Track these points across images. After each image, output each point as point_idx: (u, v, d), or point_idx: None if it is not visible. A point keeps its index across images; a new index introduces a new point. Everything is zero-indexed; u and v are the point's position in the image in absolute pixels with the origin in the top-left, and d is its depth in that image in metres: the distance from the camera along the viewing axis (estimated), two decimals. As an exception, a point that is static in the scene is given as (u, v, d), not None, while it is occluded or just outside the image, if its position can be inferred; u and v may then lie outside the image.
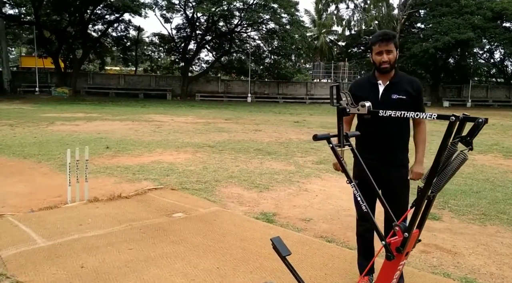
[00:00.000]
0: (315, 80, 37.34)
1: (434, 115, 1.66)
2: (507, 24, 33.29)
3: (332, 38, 41.46)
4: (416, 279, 2.93)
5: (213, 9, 25.73)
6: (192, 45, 34.47)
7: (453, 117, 1.57)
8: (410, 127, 2.71)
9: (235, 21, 31.31)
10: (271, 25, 31.03)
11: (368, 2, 33.96)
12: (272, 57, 35.24)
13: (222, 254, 3.26)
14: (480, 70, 39.20)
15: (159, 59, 38.80)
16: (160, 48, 36.49)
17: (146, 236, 3.57)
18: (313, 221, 4.28)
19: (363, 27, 36.32)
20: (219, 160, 7.43)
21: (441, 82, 37.80)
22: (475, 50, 34.56)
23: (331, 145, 2.07)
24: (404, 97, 2.61)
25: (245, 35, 34.09)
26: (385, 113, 1.86)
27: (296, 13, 29.92)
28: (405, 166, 2.72)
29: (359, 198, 1.95)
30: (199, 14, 30.48)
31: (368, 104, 1.96)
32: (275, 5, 28.18)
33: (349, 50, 41.08)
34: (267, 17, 29.04)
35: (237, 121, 16.08)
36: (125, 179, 5.81)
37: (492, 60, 38.62)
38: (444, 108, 30.77)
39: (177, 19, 38.20)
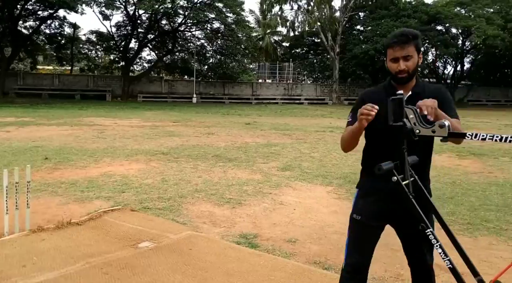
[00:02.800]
0: (261, 81, 37.22)
1: None
2: (440, 27, 35.21)
3: (277, 39, 41.62)
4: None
5: (156, 6, 24.59)
6: (133, 44, 32.93)
7: None
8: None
9: (179, 20, 30.32)
10: (216, 24, 30.42)
11: (312, 4, 34.37)
12: (217, 57, 34.62)
13: (209, 296, 2.70)
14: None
15: (97, 58, 36.66)
16: (98, 47, 34.44)
17: (110, 279, 2.91)
18: (299, 242, 3.82)
19: (307, 28, 36.75)
20: (178, 170, 6.77)
21: (379, 82, 39.23)
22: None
23: (395, 178, 1.60)
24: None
25: (189, 34, 33.15)
26: (475, 137, 1.40)
27: (242, 12, 29.53)
28: (430, 193, 2.07)
29: (440, 250, 1.49)
30: (141, 12, 29.14)
31: (447, 123, 1.49)
32: (221, 4, 27.61)
33: (293, 51, 41.48)
34: (212, 16, 28.38)
35: (186, 124, 15.35)
36: (73, 199, 5.01)
37: (425, 61, 40.75)
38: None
39: (117, 16, 36.62)
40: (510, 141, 1.30)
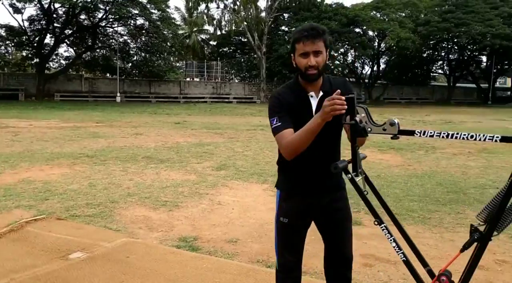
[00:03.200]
0: (188, 79, 36.69)
1: (498, 137, 1.33)
2: (359, 29, 37.28)
3: (204, 37, 41.27)
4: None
5: (74, 0, 23.11)
6: (48, 39, 30.69)
7: None
8: None
9: (100, 15, 28.79)
10: (140, 20, 29.39)
11: (238, 3, 34.55)
12: (142, 54, 33.49)
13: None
14: (336, 71, 43.24)
15: (7, 55, 33.60)
16: (8, 42, 31.56)
17: (40, 295, 2.65)
18: (241, 241, 3.79)
19: (234, 28, 36.90)
20: (106, 174, 6.41)
21: (304, 81, 40.58)
22: (332, 52, 37.89)
23: (349, 176, 1.61)
24: None
25: (111, 30, 31.64)
26: (423, 134, 1.45)
27: (167, 9, 28.83)
28: (345, 189, 2.11)
29: (394, 244, 1.53)
30: (57, 5, 27.19)
31: (397, 121, 1.54)
32: (145, 0, 26.69)
33: (221, 50, 41.44)
34: (136, 12, 27.36)
35: (111, 124, 14.64)
36: (-13, 209, 4.51)
37: (346, 62, 42.92)
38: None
39: (30, 10, 33.69)
40: (456, 137, 1.37)
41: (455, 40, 40.16)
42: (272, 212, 4.68)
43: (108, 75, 34.66)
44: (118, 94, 29.66)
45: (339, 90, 1.68)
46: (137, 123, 15.12)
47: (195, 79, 36.27)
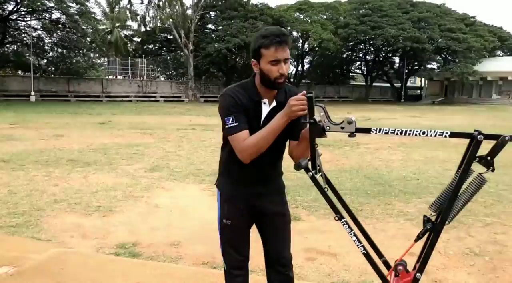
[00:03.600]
0: (111, 77, 35.04)
1: (447, 133, 1.42)
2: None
3: (127, 33, 39.59)
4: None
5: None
6: None
7: (481, 136, 1.36)
8: None
9: (10, 7, 26.39)
10: (56, 14, 27.46)
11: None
12: (58, 50, 31.33)
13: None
14: (263, 70, 44.09)
15: None
16: None
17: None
18: (183, 244, 3.70)
19: (159, 24, 35.91)
20: (27, 180, 5.90)
21: (232, 80, 40.83)
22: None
23: (310, 173, 1.63)
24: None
25: (23, 23, 29.15)
26: (379, 131, 1.51)
27: (86, 3, 27.23)
28: (284, 193, 2.15)
29: (354, 238, 1.57)
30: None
31: (354, 118, 1.58)
32: (61, -8, 25.02)
33: (146, 47, 40.14)
34: (51, 5, 25.50)
35: (27, 126, 13.53)
36: None
37: (272, 61, 43.81)
38: (238, 104, 33.27)
39: None
40: (409, 133, 1.46)
41: (371, 42, 42.87)
42: (212, 213, 4.63)
43: (20, 72, 31.94)
44: (33, 93, 27.44)
45: (304, 91, 1.70)
46: (56, 124, 14.12)
47: (119, 77, 34.71)
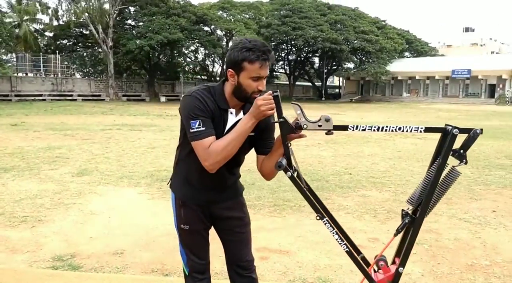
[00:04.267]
0: (21, 74, 32.16)
1: (422, 128, 1.46)
2: (207, 28, 37.98)
3: (38, 27, 36.53)
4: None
5: None
6: None
7: (456, 130, 1.41)
8: None
9: None
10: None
11: (78, -8, 31.67)
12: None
13: None
14: (188, 68, 43.43)
15: None
16: None
17: None
18: (127, 252, 3.48)
19: (73, 18, 33.72)
20: None
21: (156, 78, 39.68)
22: (183, 50, 37.85)
23: (289, 173, 1.58)
24: (253, 133, 1.78)
25: None
26: (356, 128, 1.51)
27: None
28: (242, 195, 2.09)
29: (336, 236, 1.55)
30: None
31: (330, 117, 1.57)
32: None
33: (59, 42, 37.52)
34: None
35: None
36: None
37: (197, 59, 43.36)
38: (162, 103, 32.47)
39: None
40: (385, 130, 1.48)
41: (293, 42, 44.32)
42: (155, 217, 4.48)
43: None
44: None
45: (271, 91, 1.65)
46: (-41, 126, 12.64)
47: (29, 74, 31.96)
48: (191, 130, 1.73)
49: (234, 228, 2.01)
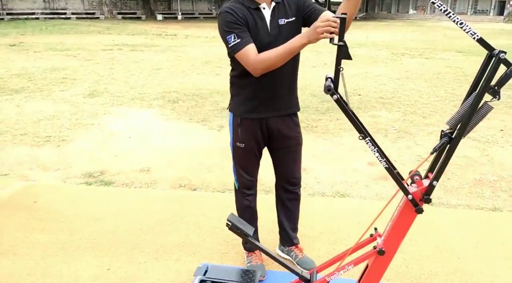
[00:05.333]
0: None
1: (477, 36, 1.45)
2: None
3: None
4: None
5: None
6: None
7: (503, 54, 1.43)
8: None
9: None
10: None
11: None
12: None
13: (95, 247, 2.38)
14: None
15: None
16: None
17: None
18: (153, 169, 3.66)
19: None
20: (-50, 111, 5.25)
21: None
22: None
23: (335, 96, 1.62)
24: (293, 19, 1.89)
25: None
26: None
27: None
28: (297, 115, 2.14)
29: (377, 154, 1.64)
30: None
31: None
32: None
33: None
34: None
35: None
36: None
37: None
38: (159, 22, 31.28)
39: None
40: (453, 20, 1.50)
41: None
42: (172, 138, 4.61)
43: None
44: None
45: (338, 15, 1.61)
46: (-44, 47, 12.35)
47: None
48: (229, 45, 1.81)
49: (290, 147, 2.12)
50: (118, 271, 2.17)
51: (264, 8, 1.87)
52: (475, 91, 1.56)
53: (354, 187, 3.40)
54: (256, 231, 2.28)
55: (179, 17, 35.62)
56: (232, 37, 1.79)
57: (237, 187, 2.20)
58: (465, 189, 3.37)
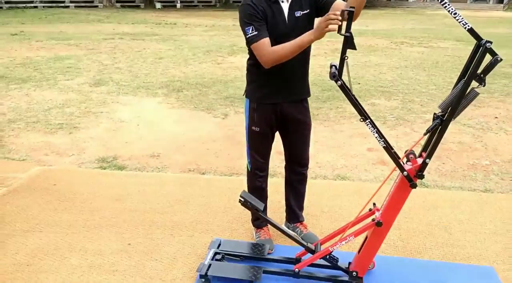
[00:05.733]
0: (7, -21, 30.27)
1: (468, 26, 1.61)
2: None
3: None
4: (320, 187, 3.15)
5: None
6: None
7: (489, 44, 1.61)
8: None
9: None
10: None
11: None
12: None
13: (115, 225, 2.58)
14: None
15: None
16: None
17: (-21, 238, 2.39)
18: (163, 155, 3.84)
19: None
20: (-39, 100, 5.40)
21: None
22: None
23: (339, 82, 1.79)
24: (308, 10, 2.07)
25: None
26: None
27: None
28: (307, 101, 2.33)
29: (376, 135, 1.82)
30: None
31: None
32: None
33: None
34: None
35: None
36: None
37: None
38: (158, 10, 31.18)
39: None
40: (446, 9, 1.65)
41: None
42: (179, 125, 4.79)
43: None
44: None
45: (338, 11, 1.77)
46: (-42, 36, 12.41)
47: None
48: (246, 36, 2.00)
49: (301, 131, 2.31)
50: (138, 246, 2.37)
51: (282, 1, 2.04)
52: (464, 78, 1.74)
53: (354, 171, 3.59)
54: (265, 209, 2.48)
55: (178, 5, 35.45)
56: (250, 29, 1.97)
57: (249, 169, 2.38)
58: (459, 172, 3.57)
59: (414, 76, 7.55)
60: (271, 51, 1.97)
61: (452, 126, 4.82)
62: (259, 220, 2.45)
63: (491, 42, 1.65)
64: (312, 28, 2.08)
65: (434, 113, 1.87)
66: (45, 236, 2.45)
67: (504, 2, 41.40)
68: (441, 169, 3.63)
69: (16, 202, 2.82)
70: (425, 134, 1.87)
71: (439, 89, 6.54)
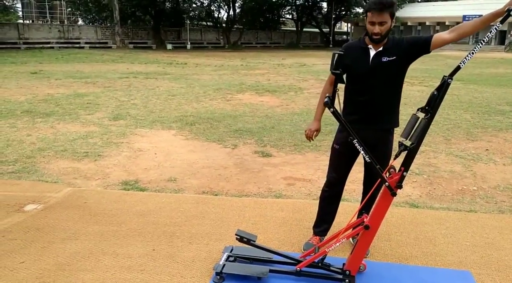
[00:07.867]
0: (28, 21, 32.08)
1: (462, 64, 2.10)
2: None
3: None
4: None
5: None
6: None
7: (450, 80, 2.05)
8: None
9: None
10: None
11: None
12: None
13: (141, 235, 2.95)
14: (192, 14, 42.67)
15: None
16: None
17: (22, 242, 2.77)
18: (179, 180, 4.25)
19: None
20: (-6, 131, 5.91)
21: (161, 25, 39.29)
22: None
23: (332, 110, 2.23)
24: (394, 57, 2.49)
25: None
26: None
27: None
28: (392, 133, 2.73)
29: (363, 152, 2.23)
30: None
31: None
32: None
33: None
34: None
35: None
36: None
37: (202, 5, 42.55)
38: (169, 51, 32.55)
39: None
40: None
41: (300, -14, 42.91)
42: (193, 154, 5.24)
43: None
44: None
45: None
46: (-17, 74, 13.20)
47: (38, 21, 31.87)
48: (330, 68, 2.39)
49: (381, 159, 2.50)
50: (161, 251, 2.74)
51: (370, 49, 2.52)
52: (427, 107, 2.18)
53: (352, 194, 3.96)
54: (329, 221, 2.91)
55: (188, 46, 36.96)
56: (334, 65, 2.33)
57: (325, 181, 2.82)
58: (447, 196, 3.92)
59: (411, 112, 7.98)
60: (324, 87, 2.78)
61: (445, 157, 5.23)
62: (316, 228, 2.89)
63: (451, 79, 2.10)
64: (398, 79, 2.62)
65: (399, 141, 2.28)
66: (81, 243, 2.82)
67: (505, 43, 42.58)
68: (431, 194, 3.99)
69: (53, 216, 3.21)
70: (394, 159, 2.30)
71: (435, 124, 6.96)
